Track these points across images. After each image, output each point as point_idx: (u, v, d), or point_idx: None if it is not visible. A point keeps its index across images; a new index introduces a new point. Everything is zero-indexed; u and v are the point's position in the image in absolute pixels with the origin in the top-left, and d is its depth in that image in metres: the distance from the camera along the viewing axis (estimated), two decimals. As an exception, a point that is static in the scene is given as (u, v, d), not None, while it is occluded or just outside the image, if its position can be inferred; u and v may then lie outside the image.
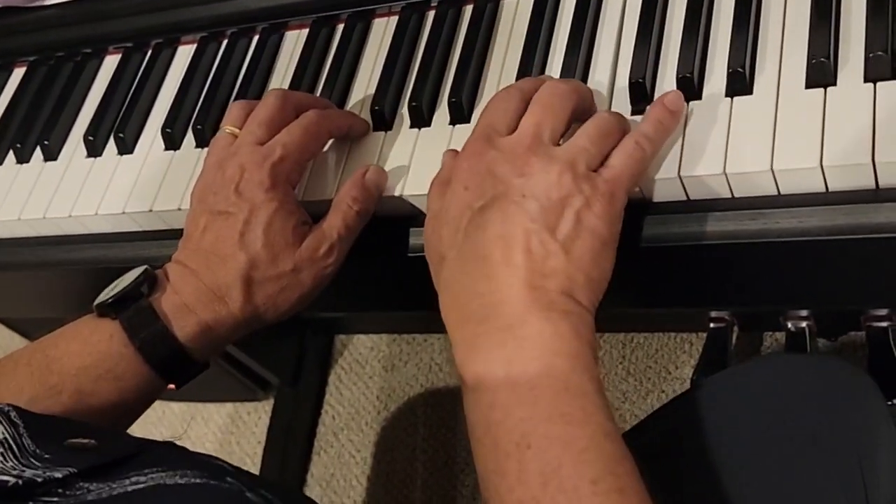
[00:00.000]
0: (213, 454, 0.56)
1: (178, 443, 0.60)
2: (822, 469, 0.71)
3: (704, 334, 1.34)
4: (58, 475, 0.49)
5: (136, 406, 0.72)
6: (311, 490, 1.56)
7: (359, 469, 1.56)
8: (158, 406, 1.72)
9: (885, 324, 1.22)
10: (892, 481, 0.72)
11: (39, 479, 0.48)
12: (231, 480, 0.51)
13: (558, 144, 0.66)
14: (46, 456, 0.51)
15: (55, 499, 0.47)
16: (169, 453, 0.54)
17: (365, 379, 1.62)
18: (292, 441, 1.61)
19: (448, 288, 0.64)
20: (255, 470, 1.61)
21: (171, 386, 0.73)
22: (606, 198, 0.63)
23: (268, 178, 0.71)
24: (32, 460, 0.50)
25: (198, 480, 0.50)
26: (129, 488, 0.49)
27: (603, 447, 0.57)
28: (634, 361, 1.46)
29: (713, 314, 1.33)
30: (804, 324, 1.26)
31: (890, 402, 1.16)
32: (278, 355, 1.63)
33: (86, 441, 0.54)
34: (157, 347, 0.70)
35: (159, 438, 0.60)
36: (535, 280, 0.61)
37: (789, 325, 1.26)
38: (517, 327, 0.60)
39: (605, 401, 0.59)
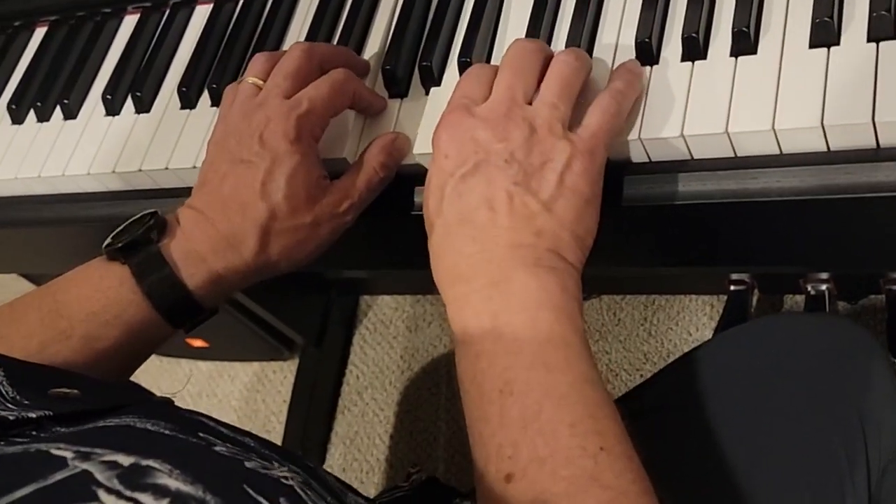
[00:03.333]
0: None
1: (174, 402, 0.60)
2: (824, 424, 0.72)
3: (725, 297, 1.35)
4: (32, 415, 0.49)
5: (144, 350, 0.73)
6: (335, 448, 1.58)
7: (382, 428, 1.57)
8: (185, 364, 1.74)
9: (905, 287, 1.21)
10: (893, 439, 0.72)
11: (11, 418, 0.48)
12: (203, 435, 0.51)
13: (530, 102, 0.66)
14: (25, 402, 0.51)
15: (27, 440, 0.47)
16: (153, 406, 0.55)
17: (389, 339, 1.64)
18: (317, 400, 1.64)
19: (437, 254, 0.65)
20: (280, 428, 1.64)
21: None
22: (586, 156, 0.64)
23: (293, 129, 0.70)
24: (9, 405, 0.50)
25: (167, 432, 0.50)
26: (99, 424, 0.50)
27: (583, 393, 0.58)
28: (656, 323, 1.47)
29: (734, 277, 1.33)
30: (824, 287, 1.26)
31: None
32: (304, 315, 1.65)
33: (69, 391, 0.55)
34: (166, 294, 0.70)
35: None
36: (521, 239, 0.62)
37: (809, 287, 1.26)
38: (504, 283, 0.61)
39: (589, 352, 0.60)
